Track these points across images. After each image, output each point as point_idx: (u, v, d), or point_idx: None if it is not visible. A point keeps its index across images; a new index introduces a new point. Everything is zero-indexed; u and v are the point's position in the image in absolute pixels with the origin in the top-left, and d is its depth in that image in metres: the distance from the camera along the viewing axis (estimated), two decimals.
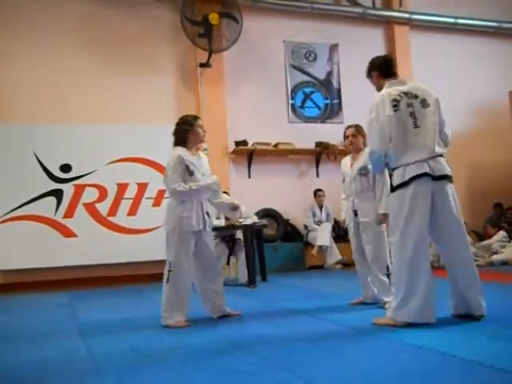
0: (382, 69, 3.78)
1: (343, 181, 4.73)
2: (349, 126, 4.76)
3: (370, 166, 4.44)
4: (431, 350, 2.75)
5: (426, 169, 3.38)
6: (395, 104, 3.48)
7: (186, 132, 4.12)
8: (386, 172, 4.55)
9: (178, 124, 4.20)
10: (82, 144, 7.74)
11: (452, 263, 3.51)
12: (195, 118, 4.22)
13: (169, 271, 3.98)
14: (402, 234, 3.40)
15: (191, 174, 4.04)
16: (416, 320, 3.34)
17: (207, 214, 4.15)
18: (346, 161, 4.77)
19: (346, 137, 4.71)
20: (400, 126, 3.46)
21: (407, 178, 3.39)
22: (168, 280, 3.97)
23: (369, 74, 3.86)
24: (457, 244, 3.48)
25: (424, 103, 3.53)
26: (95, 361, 2.96)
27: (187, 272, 4.00)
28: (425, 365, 2.52)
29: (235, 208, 4.45)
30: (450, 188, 3.48)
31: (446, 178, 3.45)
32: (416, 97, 3.54)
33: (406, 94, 3.54)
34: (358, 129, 4.68)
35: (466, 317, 3.47)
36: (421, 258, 3.38)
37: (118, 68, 8.22)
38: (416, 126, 3.46)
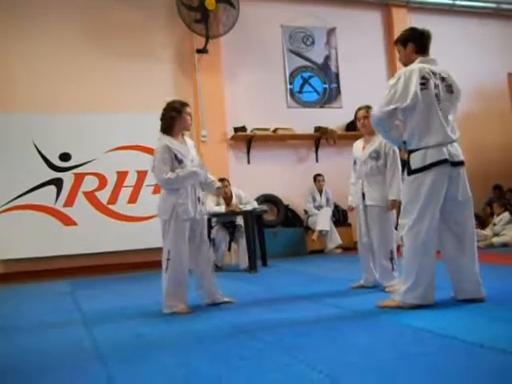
0: (421, 43, 3.60)
1: (354, 163, 4.67)
2: (360, 108, 4.62)
3: (387, 147, 4.42)
4: (432, 333, 2.77)
5: (445, 155, 3.36)
6: (424, 82, 3.39)
7: (173, 119, 4.06)
8: (399, 158, 4.52)
9: (165, 109, 4.12)
10: (81, 133, 7.73)
11: (455, 246, 3.50)
12: (183, 104, 4.12)
13: (167, 260, 3.97)
14: (417, 218, 3.38)
15: (180, 162, 4.00)
16: (422, 302, 3.38)
17: (198, 199, 4.12)
18: (358, 144, 4.70)
19: (357, 119, 4.60)
20: (425, 106, 3.39)
21: (427, 163, 3.36)
22: (167, 268, 3.96)
23: (403, 44, 3.63)
24: (462, 225, 3.50)
25: (449, 88, 3.50)
26: (98, 348, 2.98)
27: (185, 259, 4.00)
28: (426, 347, 2.53)
29: (219, 189, 4.47)
30: (463, 172, 3.51)
31: (461, 163, 3.48)
32: (443, 79, 3.49)
33: (434, 74, 3.46)
34: (369, 110, 4.45)
35: (467, 301, 3.48)
36: (431, 242, 3.41)
37: (115, 56, 8.17)
38: (440, 109, 3.41)
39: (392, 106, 3.41)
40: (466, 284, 3.48)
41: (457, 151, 3.46)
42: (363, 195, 4.52)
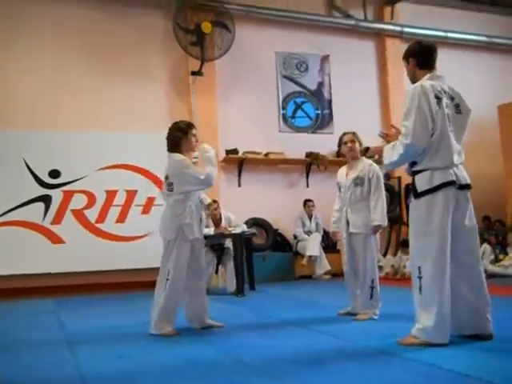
0: (421, 58, 3.43)
1: (339, 190, 4.70)
2: (345, 133, 4.69)
3: (371, 173, 4.43)
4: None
5: (453, 177, 3.21)
6: (438, 101, 3.23)
7: (178, 139, 4.07)
8: (382, 183, 4.54)
9: (170, 129, 4.14)
10: (71, 150, 7.69)
11: (461, 276, 3.25)
12: (189, 125, 4.15)
13: (166, 279, 3.92)
14: (437, 246, 3.14)
15: None
16: (446, 340, 3.11)
17: (201, 220, 4.15)
18: (342, 170, 4.73)
19: (344, 143, 4.62)
20: (440, 127, 3.22)
21: (435, 184, 3.18)
22: (165, 289, 3.91)
23: (405, 59, 3.50)
24: (469, 254, 3.29)
25: (457, 108, 3.36)
26: (80, 370, 2.92)
27: (183, 281, 3.98)
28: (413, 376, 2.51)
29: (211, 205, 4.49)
30: (469, 196, 3.35)
31: (468, 186, 3.33)
32: (452, 99, 3.36)
33: (445, 92, 3.31)
34: (355, 135, 4.65)
35: (472, 337, 3.25)
36: (447, 269, 3.17)
37: (110, 75, 8.19)
38: (450, 130, 3.26)
39: (429, 132, 3.19)
40: (474, 318, 3.25)
41: (464, 174, 3.31)
42: (347, 223, 4.53)
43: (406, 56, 3.50)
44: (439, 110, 3.22)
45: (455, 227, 3.23)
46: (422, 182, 3.25)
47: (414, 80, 3.43)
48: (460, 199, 3.27)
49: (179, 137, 4.07)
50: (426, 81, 3.31)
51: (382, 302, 4.42)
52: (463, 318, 3.26)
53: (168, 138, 4.13)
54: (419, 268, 3.20)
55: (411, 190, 3.36)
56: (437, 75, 3.40)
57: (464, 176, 3.31)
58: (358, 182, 4.48)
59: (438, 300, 3.11)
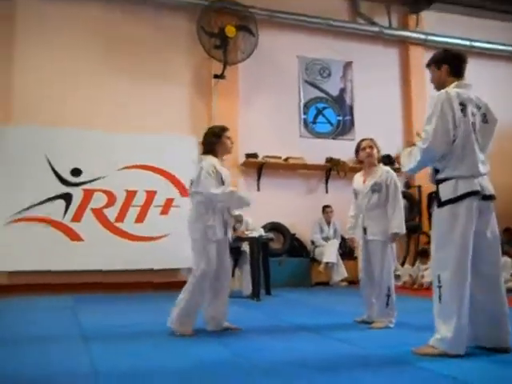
0: (457, 65, 3.40)
1: (355, 197, 4.69)
2: (363, 139, 4.70)
3: (389, 179, 4.42)
4: (438, 374, 2.71)
5: (477, 186, 3.17)
6: (462, 108, 3.20)
7: (213, 144, 4.19)
8: (400, 191, 4.53)
9: (206, 135, 4.27)
10: (93, 149, 7.78)
11: (483, 288, 3.22)
12: (223, 129, 4.27)
13: (194, 278, 3.97)
14: (459, 255, 3.11)
15: (223, 183, 4.08)
16: (463, 351, 3.07)
17: (226, 223, 4.18)
18: (358, 177, 4.72)
19: (362, 149, 4.61)
20: (463, 134, 3.19)
21: (460, 193, 3.15)
22: (190, 288, 3.96)
23: (437, 65, 3.44)
24: (490, 266, 3.25)
25: (484, 118, 3.32)
26: (94, 366, 2.95)
27: (209, 282, 4.02)
28: None
29: (240, 220, 4.51)
30: (493, 207, 3.31)
31: (492, 197, 3.28)
32: (479, 108, 3.32)
33: (471, 100, 3.29)
34: (373, 141, 4.65)
35: (490, 349, 3.19)
36: (467, 280, 3.13)
37: (133, 75, 8.27)
38: (476, 139, 3.23)
39: (449, 138, 3.17)
40: (493, 330, 3.20)
41: (488, 184, 3.27)
42: (364, 230, 4.51)
43: (438, 62, 3.44)
44: (464, 117, 3.19)
45: (477, 238, 3.19)
46: (446, 191, 3.22)
47: (440, 87, 3.38)
48: (483, 210, 3.23)
49: (213, 142, 4.19)
50: (452, 88, 3.29)
51: (398, 311, 4.39)
52: (482, 329, 3.23)
53: (203, 143, 4.26)
54: (439, 277, 3.17)
55: (434, 198, 3.31)
56: (464, 83, 3.37)
57: (488, 187, 3.27)
58: (376, 188, 4.46)
59: (456, 310, 3.07)
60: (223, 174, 4.11)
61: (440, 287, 3.16)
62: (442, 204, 3.23)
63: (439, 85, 3.43)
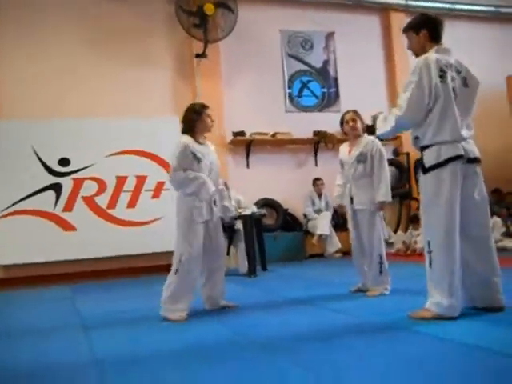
0: (436, 30, 3.36)
1: (341, 167, 4.73)
2: (347, 112, 4.71)
3: (374, 149, 4.44)
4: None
5: (461, 150, 3.17)
6: (442, 74, 3.18)
7: (193, 121, 4.10)
8: (386, 160, 4.55)
9: (186, 112, 4.18)
10: (79, 138, 7.74)
11: (472, 249, 3.26)
12: (203, 106, 4.20)
13: (179, 262, 3.90)
14: (446, 220, 3.13)
15: (199, 160, 4.00)
16: (457, 313, 3.11)
17: (214, 202, 4.12)
18: (344, 147, 4.75)
19: (345, 122, 4.63)
20: (443, 100, 3.18)
21: (442, 158, 3.16)
22: (177, 271, 3.89)
23: (415, 30, 3.41)
24: (479, 228, 3.28)
25: (464, 82, 3.30)
26: (95, 354, 2.98)
27: (197, 264, 3.95)
28: (421, 349, 2.53)
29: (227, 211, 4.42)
30: (480, 170, 3.32)
31: (477, 160, 3.29)
32: (459, 72, 3.29)
33: (450, 65, 3.25)
34: (356, 114, 4.65)
35: (484, 309, 3.25)
36: (456, 243, 3.16)
37: (114, 61, 8.19)
38: (456, 104, 3.21)
39: (423, 105, 3.19)
40: (486, 291, 3.25)
41: (472, 148, 3.27)
42: (351, 199, 4.55)
43: (416, 27, 3.41)
44: (443, 83, 3.19)
45: (465, 201, 3.22)
46: (429, 157, 3.23)
47: (420, 53, 3.36)
48: (469, 173, 3.25)
49: (194, 119, 4.10)
50: (431, 53, 3.27)
51: (392, 277, 4.44)
52: (475, 291, 3.28)
53: (183, 121, 4.17)
54: (429, 242, 3.22)
55: (419, 164, 3.35)
56: (443, 48, 3.35)
57: (473, 150, 3.27)
58: (361, 158, 4.49)
59: (448, 274, 3.11)
60: (198, 153, 4.00)
61: (430, 252, 3.20)
62: (426, 170, 3.24)
63: (418, 50, 3.40)
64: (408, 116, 3.23)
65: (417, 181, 3.54)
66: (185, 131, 4.14)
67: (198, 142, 4.09)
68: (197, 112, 4.13)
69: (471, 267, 3.26)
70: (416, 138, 3.34)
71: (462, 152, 3.19)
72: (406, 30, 3.48)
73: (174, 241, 4.03)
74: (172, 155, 4.03)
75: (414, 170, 3.25)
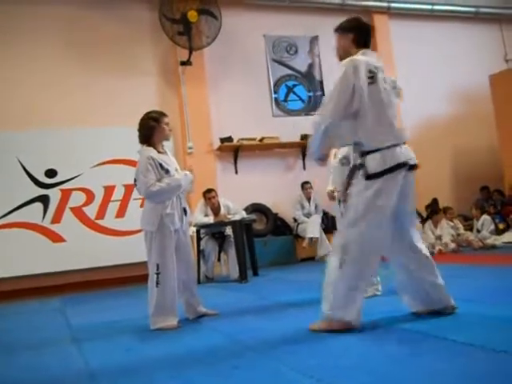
0: (362, 35, 3.30)
1: (330, 172, 4.76)
2: None
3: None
4: (427, 335, 2.77)
5: (402, 158, 3.08)
6: (371, 76, 3.08)
7: (151, 129, 3.95)
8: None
9: (142, 120, 4.02)
10: (66, 148, 7.69)
11: (413, 256, 3.23)
12: (161, 114, 4.05)
13: (157, 274, 3.85)
14: (374, 227, 3.06)
15: (167, 171, 3.91)
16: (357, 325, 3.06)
17: (184, 210, 4.06)
18: (333, 151, 4.76)
19: None
20: (375, 102, 3.08)
21: (388, 166, 3.04)
22: (158, 283, 3.84)
23: (343, 31, 3.33)
24: (413, 234, 3.26)
25: (392, 84, 3.27)
26: (89, 366, 2.95)
27: (174, 272, 3.91)
28: (419, 349, 2.54)
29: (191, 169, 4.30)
30: (413, 178, 3.24)
31: (415, 167, 3.19)
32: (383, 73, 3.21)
33: (379, 67, 3.17)
34: None
35: (431, 313, 3.21)
36: (378, 255, 3.18)
37: (99, 70, 8.16)
38: (389, 106, 3.13)
39: (347, 109, 3.06)
40: (436, 295, 3.21)
41: (410, 153, 3.16)
42: (339, 202, 4.56)
43: (346, 30, 3.32)
44: (373, 85, 3.10)
45: (400, 208, 3.16)
46: (374, 163, 3.08)
47: (344, 56, 3.24)
48: (408, 180, 3.17)
49: (152, 126, 3.95)
50: (360, 56, 3.17)
51: (383, 278, 4.44)
52: (429, 296, 3.23)
53: (140, 129, 4.00)
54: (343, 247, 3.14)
55: (359, 168, 3.16)
56: (371, 52, 3.29)
57: (410, 156, 3.16)
58: (345, 161, 4.50)
59: (365, 281, 3.18)
60: (163, 163, 3.92)
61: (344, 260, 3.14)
62: (369, 177, 3.09)
63: (343, 54, 3.30)
64: (324, 116, 3.12)
65: (347, 184, 3.34)
66: (142, 140, 4.00)
67: (159, 152, 3.99)
68: (155, 119, 3.98)
69: (415, 273, 3.22)
70: (356, 144, 3.21)
71: (404, 159, 3.09)
72: (335, 30, 3.40)
73: (145, 253, 3.96)
74: (139, 172, 3.88)
75: (348, 175, 3.20)
